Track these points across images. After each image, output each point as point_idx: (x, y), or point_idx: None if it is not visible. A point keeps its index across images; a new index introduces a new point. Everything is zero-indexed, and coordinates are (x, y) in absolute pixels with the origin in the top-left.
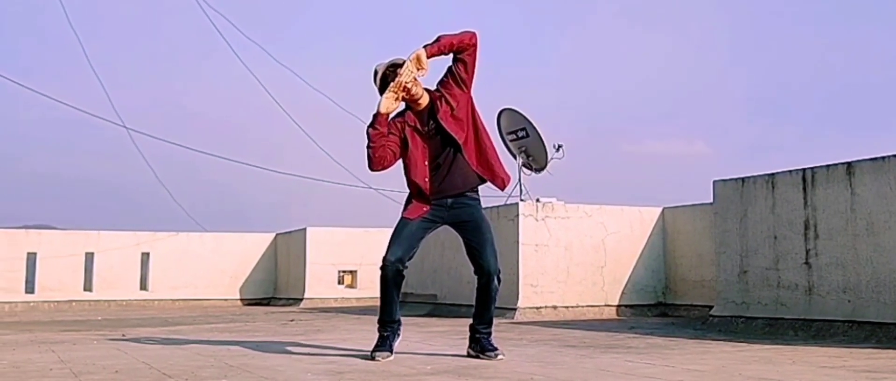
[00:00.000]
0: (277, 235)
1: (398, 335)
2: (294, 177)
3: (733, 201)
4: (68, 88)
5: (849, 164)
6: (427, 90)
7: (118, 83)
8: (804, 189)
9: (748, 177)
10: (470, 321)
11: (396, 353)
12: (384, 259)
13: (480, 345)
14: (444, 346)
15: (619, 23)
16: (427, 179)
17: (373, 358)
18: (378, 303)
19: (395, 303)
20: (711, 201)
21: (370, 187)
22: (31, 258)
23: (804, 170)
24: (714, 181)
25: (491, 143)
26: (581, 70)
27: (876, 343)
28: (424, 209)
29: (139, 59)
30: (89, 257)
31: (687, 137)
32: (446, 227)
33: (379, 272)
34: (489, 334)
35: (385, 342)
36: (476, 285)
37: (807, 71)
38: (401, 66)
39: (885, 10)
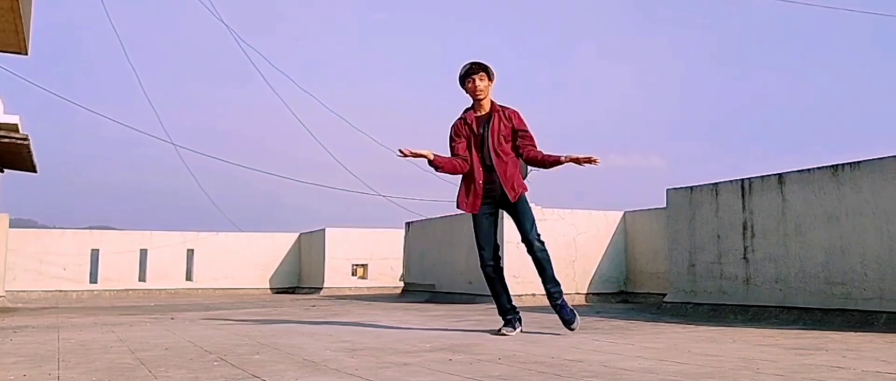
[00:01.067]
0: (301, 234)
1: (519, 320)
2: (315, 186)
3: (683, 205)
4: (122, 110)
5: (780, 175)
6: (492, 102)
7: (167, 107)
8: (743, 196)
9: (696, 186)
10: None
11: (403, 328)
12: (481, 265)
13: (560, 317)
14: (441, 327)
15: (590, 58)
16: (481, 180)
17: (500, 333)
18: (383, 292)
19: (500, 295)
20: (665, 205)
21: (379, 194)
22: (95, 254)
23: (743, 180)
24: (667, 189)
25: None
26: (557, 97)
27: (802, 326)
28: (478, 202)
29: (186, 87)
30: (143, 253)
31: (645, 152)
32: (443, 228)
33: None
34: (559, 294)
35: (509, 323)
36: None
37: (744, 97)
38: (477, 69)
39: (807, 46)
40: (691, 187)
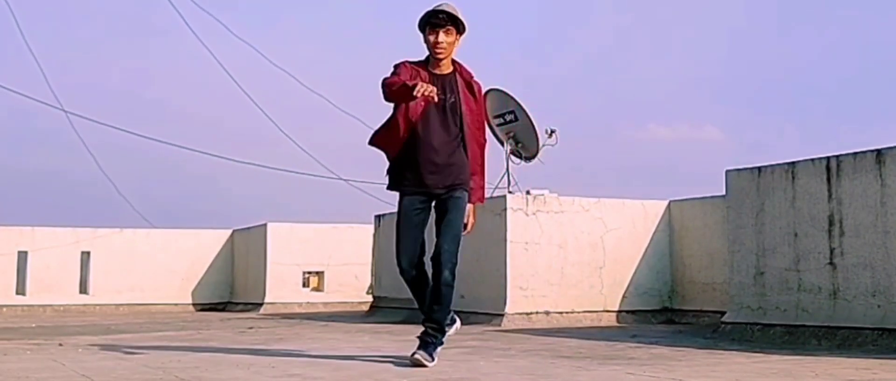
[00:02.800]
0: (234, 231)
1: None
2: (252, 166)
3: (749, 193)
4: None
5: (878, 151)
6: (455, 62)
7: (56, 64)
8: (828, 180)
9: (765, 166)
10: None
11: (375, 359)
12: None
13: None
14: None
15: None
16: (431, 159)
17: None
18: (345, 308)
19: (424, 300)
20: (724, 193)
21: (340, 179)
22: None
23: (828, 158)
24: (727, 171)
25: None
26: (581, 53)
27: None
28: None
29: (81, 37)
30: (22, 257)
31: (696, 122)
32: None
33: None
34: (440, 331)
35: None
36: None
37: (815, 54)
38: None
39: None
40: (759, 168)
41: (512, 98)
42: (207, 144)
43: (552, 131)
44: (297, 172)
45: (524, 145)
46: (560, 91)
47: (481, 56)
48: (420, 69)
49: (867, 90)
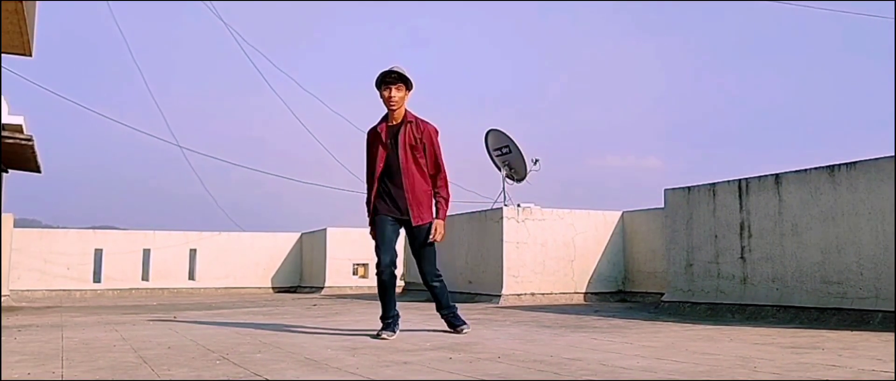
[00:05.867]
0: (303, 234)
1: (397, 324)
2: (317, 186)
3: (681, 206)
4: (129, 111)
5: (777, 175)
6: (406, 113)
7: (172, 109)
8: (740, 196)
9: (693, 186)
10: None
11: (403, 330)
12: (377, 270)
13: (449, 322)
14: (441, 326)
15: (582, 63)
16: (389, 191)
17: (379, 336)
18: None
19: (391, 301)
20: (663, 205)
21: None
22: (98, 253)
23: (740, 180)
24: (665, 190)
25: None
26: (563, 100)
27: (799, 324)
28: (382, 207)
29: (191, 90)
30: (146, 253)
31: (641, 153)
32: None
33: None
34: (453, 313)
35: (389, 327)
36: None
37: (738, 95)
38: (395, 79)
39: (802, 44)
40: (689, 188)
41: (507, 136)
42: (287, 170)
43: (536, 160)
44: (350, 191)
45: (516, 171)
46: (541, 129)
47: (483, 100)
48: (379, 126)
49: (770, 127)
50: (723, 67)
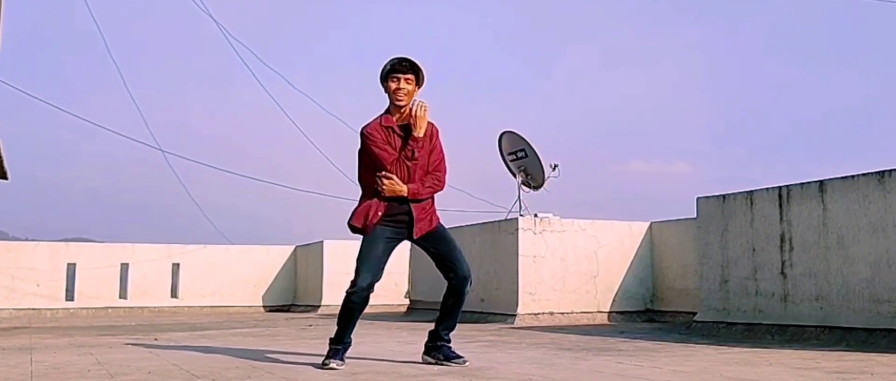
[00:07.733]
0: (297, 247)
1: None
2: (313, 194)
3: (715, 216)
4: (104, 111)
5: (821, 182)
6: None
7: (152, 108)
8: (780, 205)
9: (729, 194)
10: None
11: (409, 349)
12: (351, 289)
13: (444, 354)
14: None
15: (598, 64)
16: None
17: (325, 365)
18: (386, 310)
19: (352, 328)
20: (695, 216)
21: None
22: (71, 268)
23: (780, 187)
24: (697, 198)
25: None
26: (574, 99)
27: (845, 347)
28: (377, 219)
29: (172, 87)
30: (124, 268)
31: (668, 158)
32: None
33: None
34: (449, 339)
35: (336, 354)
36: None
37: (768, 98)
38: (407, 69)
39: (854, 40)
40: (723, 196)
41: (523, 139)
42: (280, 178)
43: (555, 166)
44: (349, 200)
45: (533, 177)
46: (562, 133)
47: (507, 101)
48: (383, 119)
49: (813, 131)
50: (775, 60)
